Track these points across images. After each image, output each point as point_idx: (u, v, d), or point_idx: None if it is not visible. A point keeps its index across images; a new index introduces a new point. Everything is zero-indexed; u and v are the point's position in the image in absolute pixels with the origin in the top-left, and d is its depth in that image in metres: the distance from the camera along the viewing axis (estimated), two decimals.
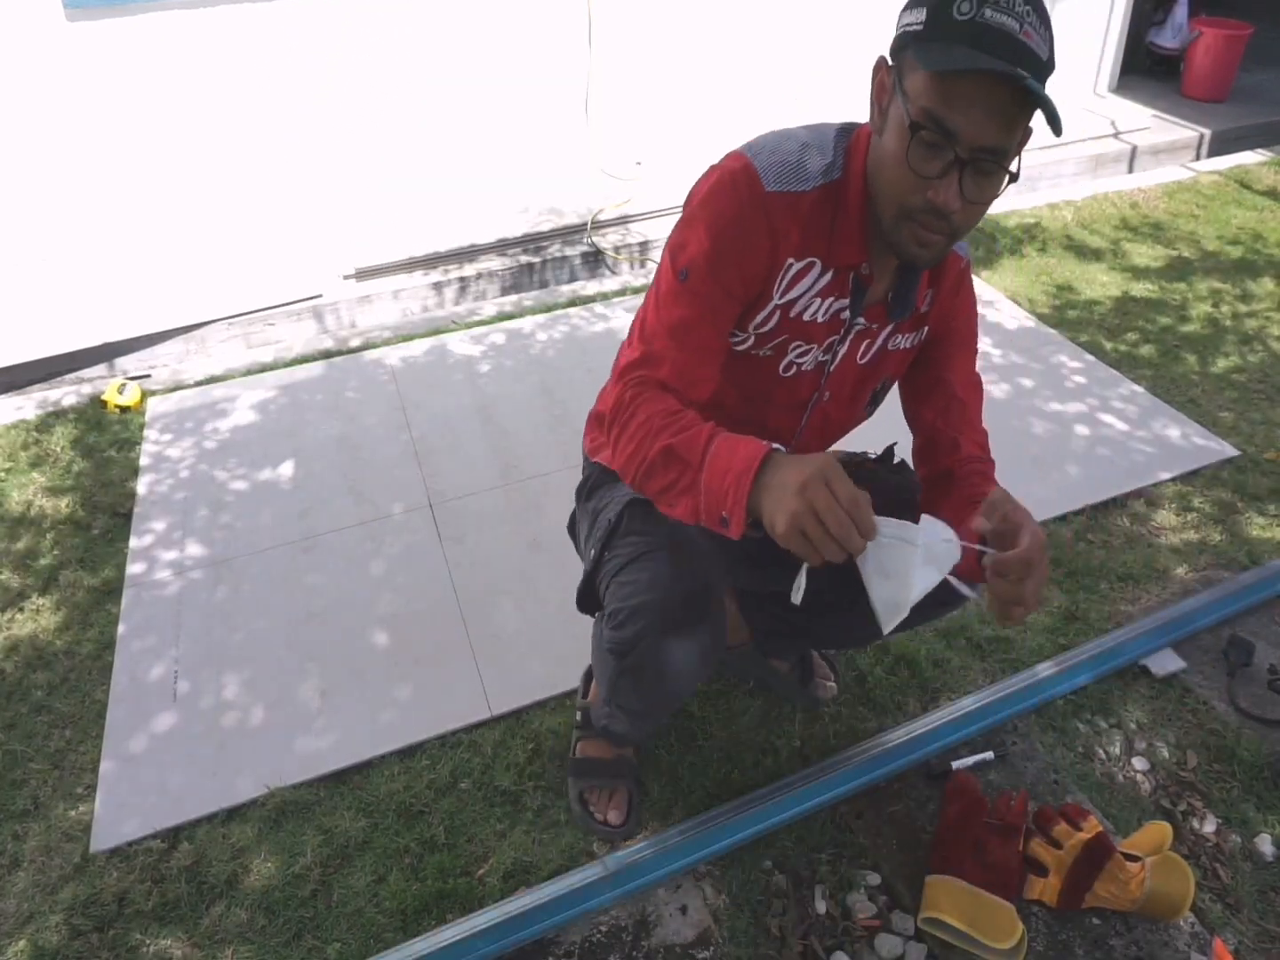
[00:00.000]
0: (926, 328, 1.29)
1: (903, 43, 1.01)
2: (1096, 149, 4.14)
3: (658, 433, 1.07)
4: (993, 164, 0.99)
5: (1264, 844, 1.51)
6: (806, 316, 1.19)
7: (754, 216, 1.10)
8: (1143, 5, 4.79)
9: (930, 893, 1.39)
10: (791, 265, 1.14)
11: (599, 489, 1.39)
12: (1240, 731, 1.68)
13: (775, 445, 1.00)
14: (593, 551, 1.32)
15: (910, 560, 0.96)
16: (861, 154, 1.12)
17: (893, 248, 1.10)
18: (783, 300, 1.17)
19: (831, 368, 1.26)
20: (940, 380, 1.31)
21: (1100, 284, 3.20)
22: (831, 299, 1.18)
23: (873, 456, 1.48)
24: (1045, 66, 0.97)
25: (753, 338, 1.21)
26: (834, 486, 0.93)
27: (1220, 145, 4.36)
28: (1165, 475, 2.30)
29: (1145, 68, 4.97)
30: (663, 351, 1.13)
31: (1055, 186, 4.00)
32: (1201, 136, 4.31)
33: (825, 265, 1.15)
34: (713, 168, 1.15)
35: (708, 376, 1.16)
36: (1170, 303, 3.08)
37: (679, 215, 1.18)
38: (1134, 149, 4.19)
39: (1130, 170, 4.22)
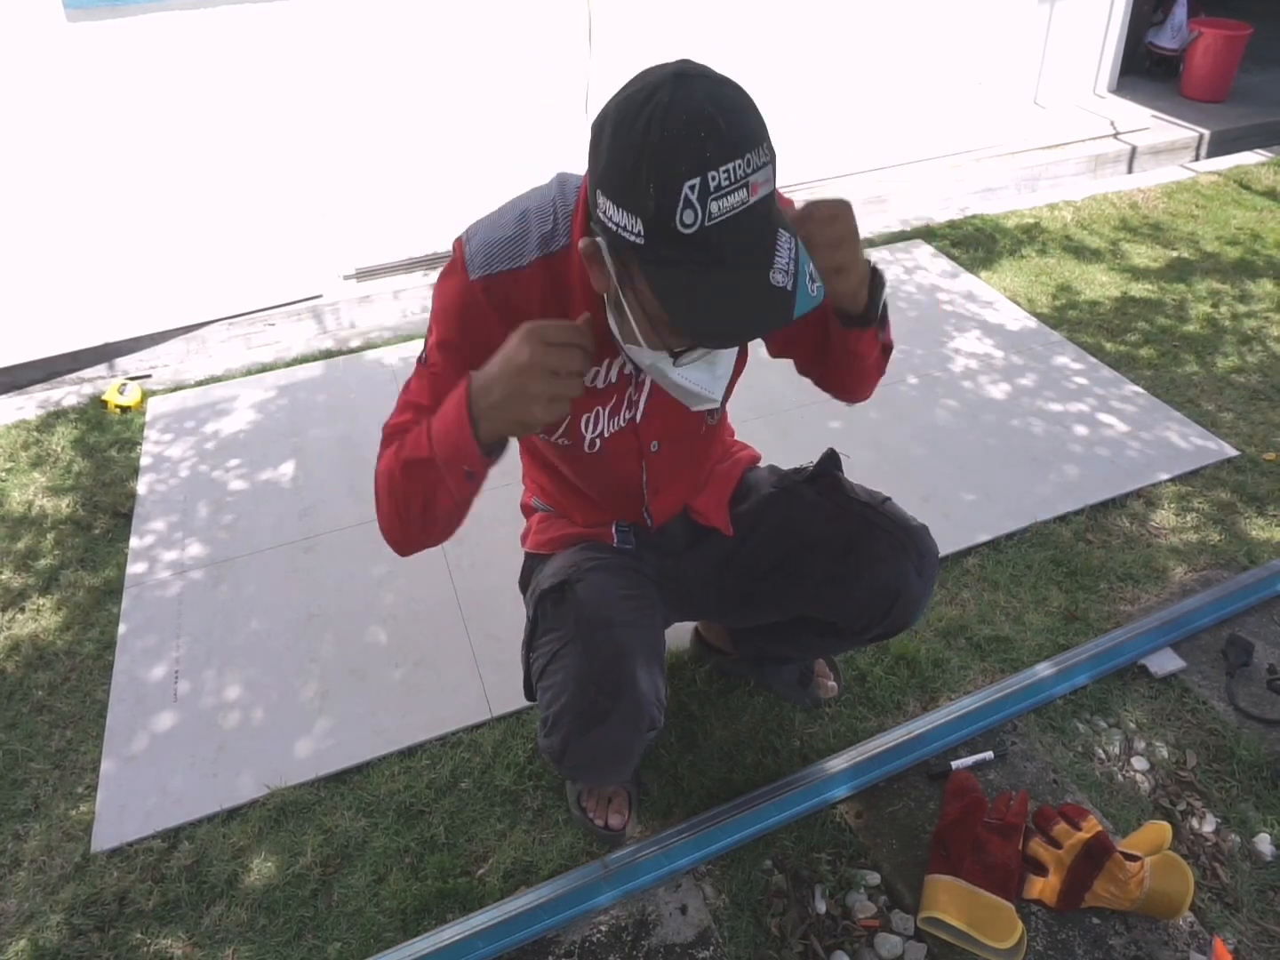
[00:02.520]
0: None
1: (618, 243, 0.87)
2: (1096, 149, 4.14)
3: (391, 463, 1.08)
4: None
5: (1263, 844, 1.51)
6: (586, 384, 1.13)
7: (471, 305, 1.06)
8: (1142, 5, 4.79)
9: (930, 892, 1.39)
10: None
11: (529, 581, 1.41)
12: (1240, 731, 1.68)
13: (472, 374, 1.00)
14: (522, 652, 1.34)
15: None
16: (580, 218, 1.02)
17: None
18: None
19: (640, 418, 1.21)
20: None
21: (1100, 284, 3.20)
22: (605, 362, 1.13)
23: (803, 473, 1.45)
24: (774, 207, 0.88)
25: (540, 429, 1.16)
26: (531, 346, 0.93)
27: (1219, 145, 4.36)
28: (1165, 475, 2.31)
29: (1145, 68, 4.97)
30: (405, 422, 1.11)
31: (1055, 187, 4.01)
32: (1201, 137, 4.32)
33: None
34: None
35: None
36: (1170, 303, 3.09)
37: None
38: (1133, 149, 4.19)
39: (1130, 170, 4.23)
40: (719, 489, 1.42)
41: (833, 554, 1.33)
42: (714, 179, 0.81)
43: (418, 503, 1.07)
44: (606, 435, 1.22)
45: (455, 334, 1.08)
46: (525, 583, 1.45)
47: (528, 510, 1.49)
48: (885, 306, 1.13)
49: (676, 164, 0.81)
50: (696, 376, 0.97)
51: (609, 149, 0.86)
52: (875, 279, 1.09)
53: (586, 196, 0.95)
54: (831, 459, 1.43)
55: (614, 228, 0.86)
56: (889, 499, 1.39)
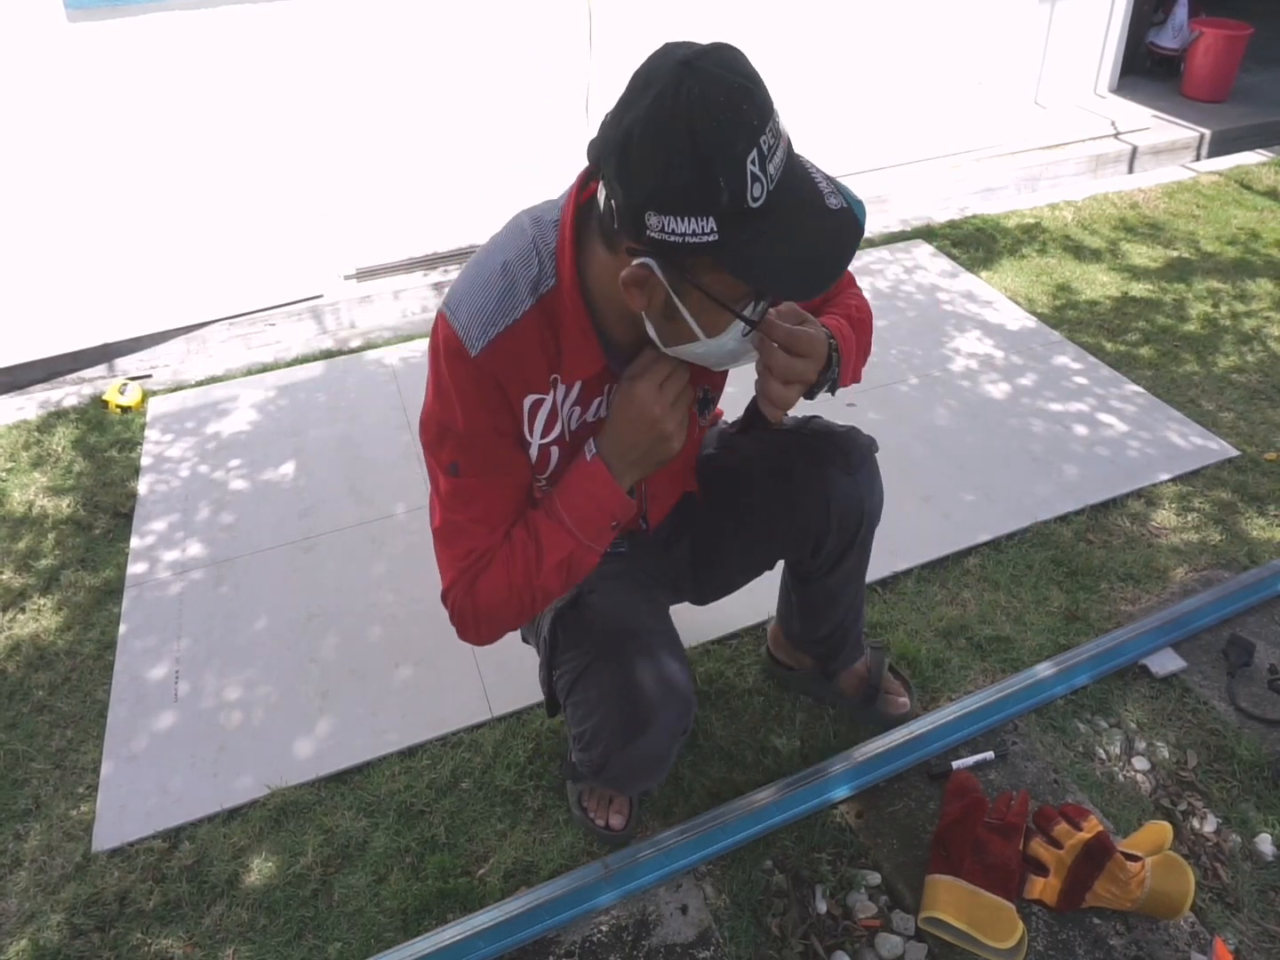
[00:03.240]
0: None
1: (680, 251, 0.86)
2: (1096, 149, 4.14)
3: (513, 582, 1.08)
4: None
5: (1264, 844, 1.51)
6: (590, 419, 1.13)
7: (478, 388, 1.03)
8: (1143, 5, 4.79)
9: (930, 892, 1.39)
10: (534, 400, 1.07)
11: None
12: (1240, 731, 1.68)
13: (589, 449, 1.08)
14: (543, 672, 1.34)
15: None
16: (569, 254, 0.99)
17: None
18: (547, 438, 1.11)
19: None
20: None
21: (1100, 284, 3.20)
22: (605, 391, 1.11)
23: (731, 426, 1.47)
24: (792, 152, 0.89)
25: (545, 481, 1.17)
26: (651, 397, 1.02)
27: (1220, 145, 4.36)
28: (1165, 475, 2.31)
29: (1145, 68, 4.97)
30: (481, 546, 1.08)
31: (1055, 186, 4.00)
32: (1201, 137, 4.32)
33: (568, 380, 1.07)
34: (433, 329, 1.06)
35: (517, 507, 1.13)
36: (1170, 303, 3.08)
37: None
38: (1134, 149, 4.19)
39: (1130, 170, 4.23)
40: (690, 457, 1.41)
41: (767, 486, 1.35)
42: (765, 142, 0.82)
43: (559, 586, 1.11)
44: None
45: (479, 415, 1.04)
46: None
47: None
48: (839, 364, 1.12)
49: (735, 147, 0.81)
50: (748, 342, 1.01)
51: (653, 169, 0.83)
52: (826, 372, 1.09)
53: (571, 228, 0.98)
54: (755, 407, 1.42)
55: (678, 240, 0.84)
56: (816, 416, 1.40)
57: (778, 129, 0.84)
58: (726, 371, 1.29)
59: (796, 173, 0.88)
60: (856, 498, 1.34)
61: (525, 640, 1.48)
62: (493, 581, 1.09)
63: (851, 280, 1.30)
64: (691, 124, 0.80)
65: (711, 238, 0.84)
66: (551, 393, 1.08)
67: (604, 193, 0.91)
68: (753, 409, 1.39)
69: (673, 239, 0.85)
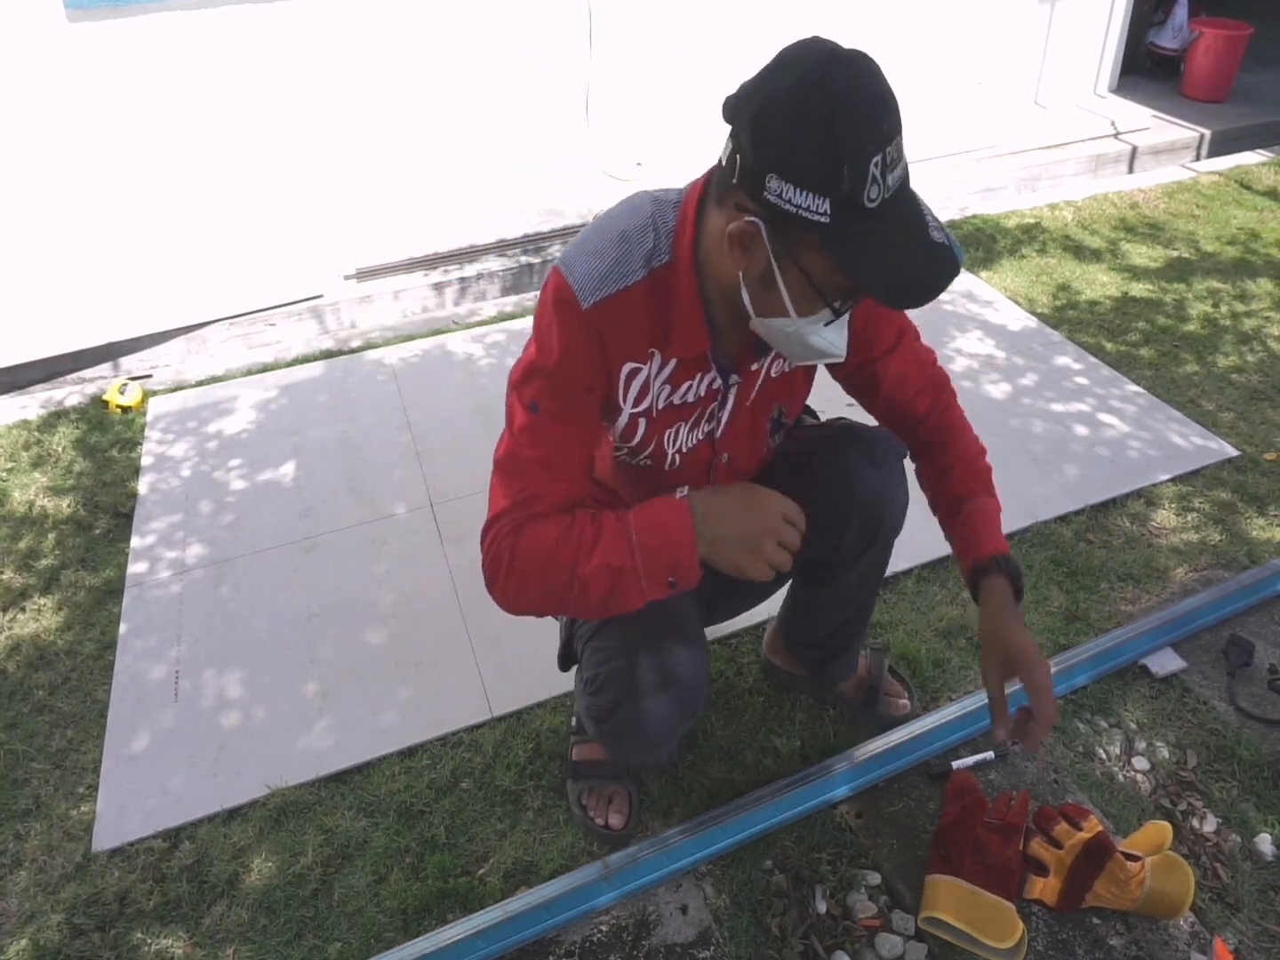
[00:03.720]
0: None
1: (790, 222, 0.90)
2: (1096, 149, 4.14)
3: (561, 555, 1.06)
4: None
5: (1264, 844, 1.51)
6: (676, 401, 1.16)
7: (582, 340, 1.06)
8: (1143, 5, 4.79)
9: (930, 892, 1.39)
10: (631, 368, 1.11)
11: None
12: (1240, 731, 1.68)
13: (681, 491, 1.08)
14: (564, 617, 1.34)
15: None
16: (690, 234, 1.03)
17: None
18: (638, 408, 1.15)
19: (719, 433, 1.23)
20: (885, 372, 1.30)
21: (1100, 284, 3.20)
22: (695, 379, 1.15)
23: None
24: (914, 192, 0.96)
25: (626, 450, 1.20)
26: (775, 518, 1.06)
27: (1220, 145, 4.36)
28: (1165, 475, 2.31)
29: (1145, 68, 4.97)
30: (537, 489, 1.09)
31: (1055, 186, 4.01)
32: (1201, 137, 4.32)
33: (666, 356, 1.11)
34: (544, 284, 1.10)
35: (582, 465, 1.14)
36: (1170, 303, 3.09)
37: None
38: (1134, 149, 4.19)
39: (1130, 170, 4.23)
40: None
41: (791, 479, 1.33)
42: (889, 154, 0.88)
43: (596, 595, 1.07)
44: (685, 450, 1.23)
45: (576, 369, 1.07)
46: None
47: None
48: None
49: (865, 144, 0.86)
50: (833, 337, 1.02)
51: (787, 137, 0.87)
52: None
53: (697, 207, 1.02)
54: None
55: (791, 209, 0.89)
56: (842, 417, 1.41)
57: (901, 149, 0.90)
58: (801, 397, 1.32)
59: (910, 197, 0.93)
60: (878, 490, 1.32)
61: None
62: (540, 536, 1.07)
63: (947, 382, 1.36)
64: (831, 110, 0.85)
65: (823, 219, 0.88)
66: (648, 365, 1.11)
67: (729, 148, 0.95)
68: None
69: (787, 207, 0.89)
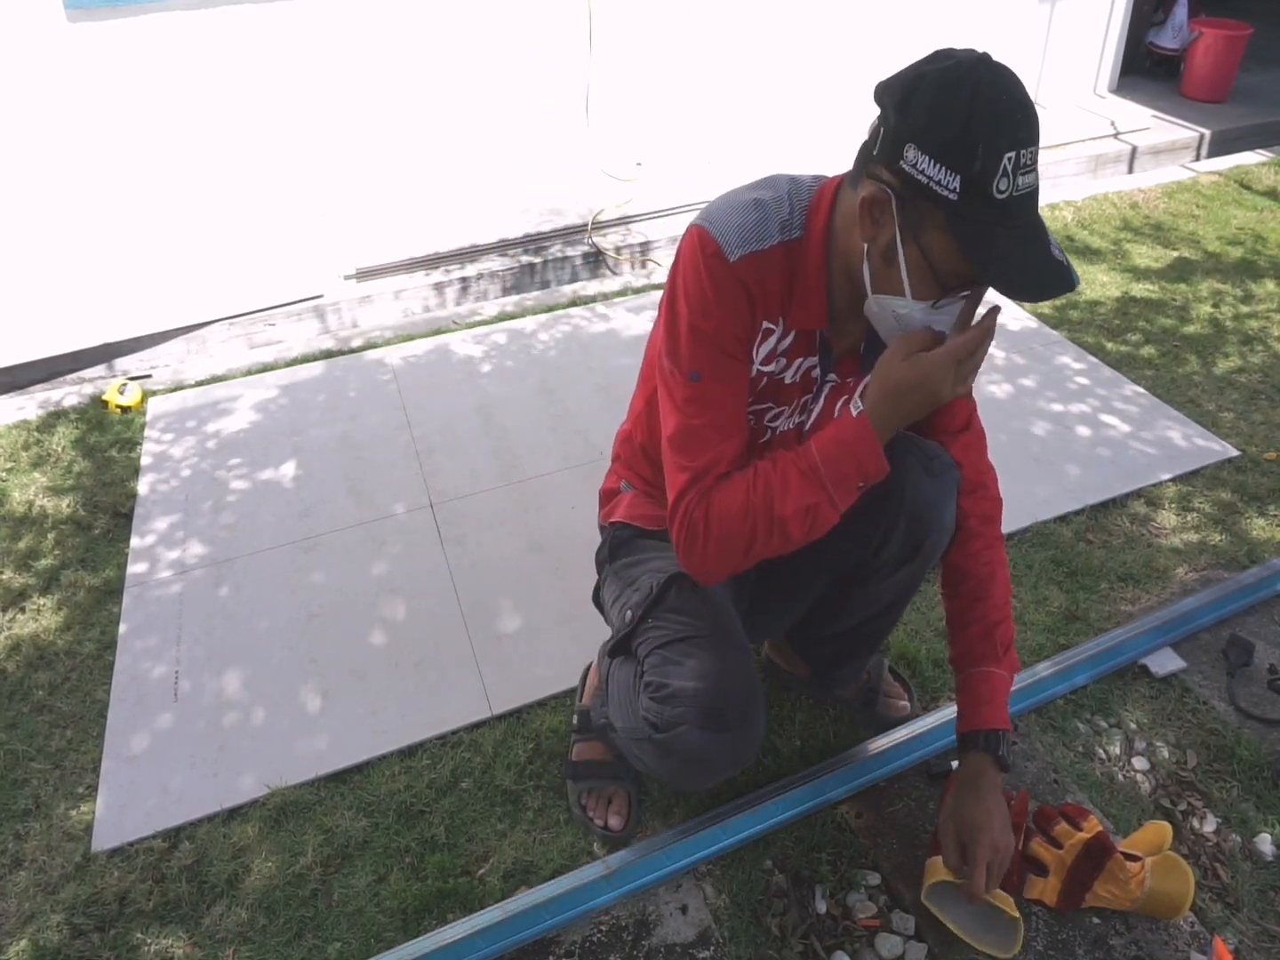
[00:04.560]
0: None
1: (920, 194, 0.96)
2: (1096, 149, 4.14)
3: (761, 510, 1.09)
4: None
5: (1264, 844, 1.51)
6: (787, 380, 1.19)
7: (731, 290, 1.09)
8: (1143, 5, 4.79)
9: (931, 870, 1.37)
10: (767, 327, 1.13)
11: (622, 547, 1.40)
12: (1240, 731, 1.68)
13: (855, 405, 1.09)
14: (628, 614, 1.31)
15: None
16: (825, 214, 1.08)
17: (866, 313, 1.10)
18: (759, 368, 1.17)
19: (808, 426, 1.25)
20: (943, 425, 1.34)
21: (1101, 284, 3.20)
22: (800, 360, 1.18)
23: None
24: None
25: (751, 417, 1.21)
26: (944, 378, 1.03)
27: (1220, 145, 4.36)
28: (1166, 475, 2.31)
29: (1145, 68, 4.97)
30: (714, 452, 1.12)
31: (1055, 187, 4.01)
32: (1201, 137, 4.32)
33: (786, 327, 1.14)
34: (679, 249, 1.13)
35: (745, 413, 1.18)
36: (1171, 303, 3.09)
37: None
38: (1134, 149, 4.19)
39: (1130, 170, 4.23)
40: None
41: None
42: (1024, 156, 0.93)
43: (798, 532, 1.10)
44: (778, 430, 1.25)
45: (729, 318, 1.10)
46: (613, 549, 1.42)
47: (611, 494, 1.47)
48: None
49: (1001, 134, 0.91)
50: (943, 320, 1.05)
51: (930, 109, 0.93)
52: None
53: (835, 192, 1.07)
54: None
55: (924, 180, 0.94)
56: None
57: (1036, 160, 0.95)
58: None
59: (1036, 213, 0.98)
60: (931, 500, 1.30)
61: (596, 597, 1.48)
62: (730, 495, 1.10)
63: (999, 506, 1.40)
64: (975, 98, 0.91)
65: (951, 196, 0.93)
66: (777, 328, 1.14)
67: (874, 125, 1.00)
68: None
69: (920, 177, 0.94)
